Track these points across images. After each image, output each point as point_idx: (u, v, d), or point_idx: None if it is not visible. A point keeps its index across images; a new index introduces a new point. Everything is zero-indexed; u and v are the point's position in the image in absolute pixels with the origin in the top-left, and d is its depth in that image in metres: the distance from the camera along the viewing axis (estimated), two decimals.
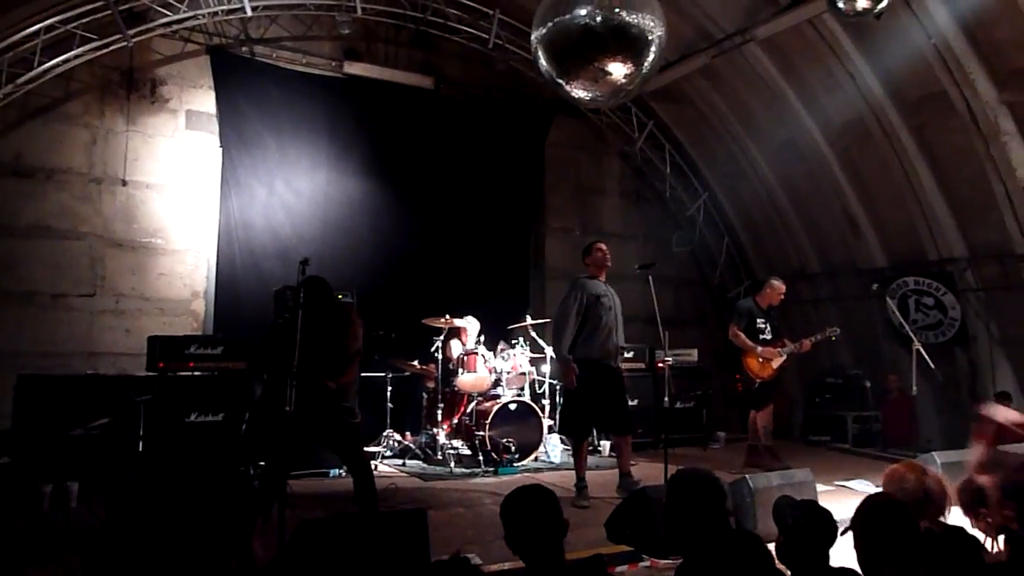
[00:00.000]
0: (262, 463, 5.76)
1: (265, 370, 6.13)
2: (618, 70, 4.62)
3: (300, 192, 8.26)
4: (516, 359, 7.68)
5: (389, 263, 8.54)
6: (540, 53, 4.76)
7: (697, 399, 8.95)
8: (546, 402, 7.82)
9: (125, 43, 7.17)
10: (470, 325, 7.77)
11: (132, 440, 5.75)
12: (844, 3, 6.00)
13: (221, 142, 7.94)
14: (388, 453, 7.46)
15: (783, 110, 8.68)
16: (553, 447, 7.65)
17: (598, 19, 4.26)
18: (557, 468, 7.28)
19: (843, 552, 2.67)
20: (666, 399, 6.17)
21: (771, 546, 2.41)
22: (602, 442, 8.09)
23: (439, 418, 7.41)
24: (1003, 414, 3.35)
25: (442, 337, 7.51)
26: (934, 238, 8.20)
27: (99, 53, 7.12)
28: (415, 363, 7.64)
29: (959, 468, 3.15)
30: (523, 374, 7.71)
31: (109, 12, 6.92)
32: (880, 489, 2.77)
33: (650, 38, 4.50)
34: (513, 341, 7.91)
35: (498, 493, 6.14)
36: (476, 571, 2.14)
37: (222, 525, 1.41)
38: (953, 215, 7.99)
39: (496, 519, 5.36)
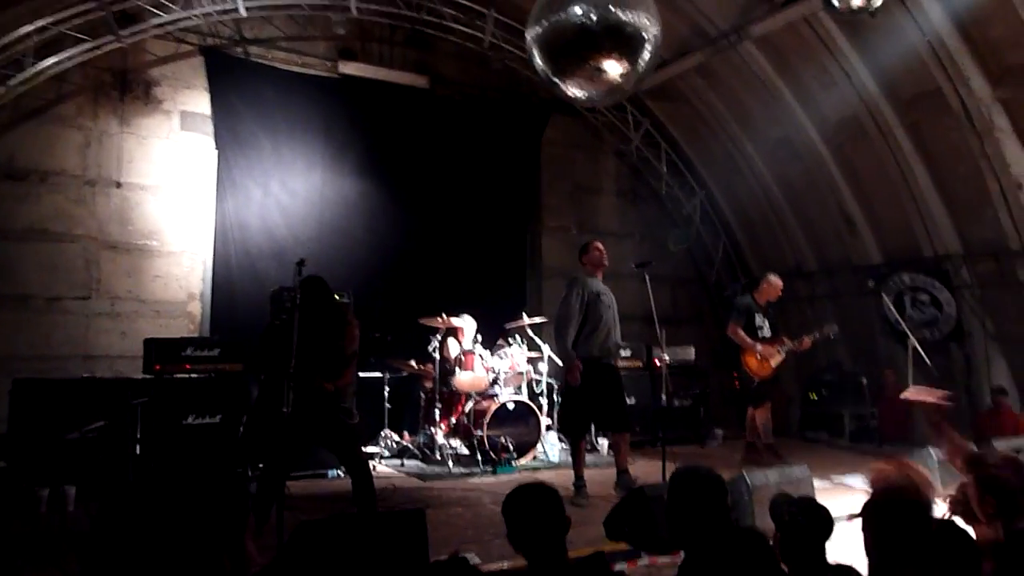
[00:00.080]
0: (260, 465, 5.75)
1: (262, 371, 6.14)
2: (613, 69, 4.62)
3: (296, 193, 8.24)
4: (513, 358, 7.68)
5: (385, 263, 8.53)
6: (535, 52, 4.76)
7: (694, 397, 8.96)
8: (544, 401, 7.82)
9: (118, 44, 7.14)
10: (467, 324, 7.76)
11: (129, 443, 5.73)
12: (839, 1, 6.01)
13: (216, 143, 7.92)
14: (386, 453, 7.45)
15: (779, 108, 8.70)
16: (551, 446, 7.65)
17: (593, 17, 4.26)
18: (555, 467, 7.27)
19: (840, 548, 2.67)
20: (663, 397, 6.18)
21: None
22: (600, 440, 8.09)
23: (437, 418, 7.41)
24: (916, 395, 3.35)
25: (439, 337, 7.50)
26: (929, 235, 8.22)
27: (92, 54, 7.08)
28: (412, 363, 7.63)
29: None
30: (520, 373, 7.71)
31: (102, 13, 6.89)
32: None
33: (645, 36, 4.49)
34: (510, 340, 7.91)
35: (496, 492, 6.14)
36: (474, 571, 2.14)
37: (215, 525, 1.40)
38: (948, 212, 8.01)
39: (495, 518, 5.37)
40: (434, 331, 7.53)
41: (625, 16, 4.29)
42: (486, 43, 8.71)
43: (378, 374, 7.45)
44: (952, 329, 8.13)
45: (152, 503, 1.38)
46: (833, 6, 6.09)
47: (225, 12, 7.60)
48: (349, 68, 8.53)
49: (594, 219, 10.25)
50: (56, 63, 6.89)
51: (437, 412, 7.41)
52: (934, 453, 5.01)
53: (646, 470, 6.49)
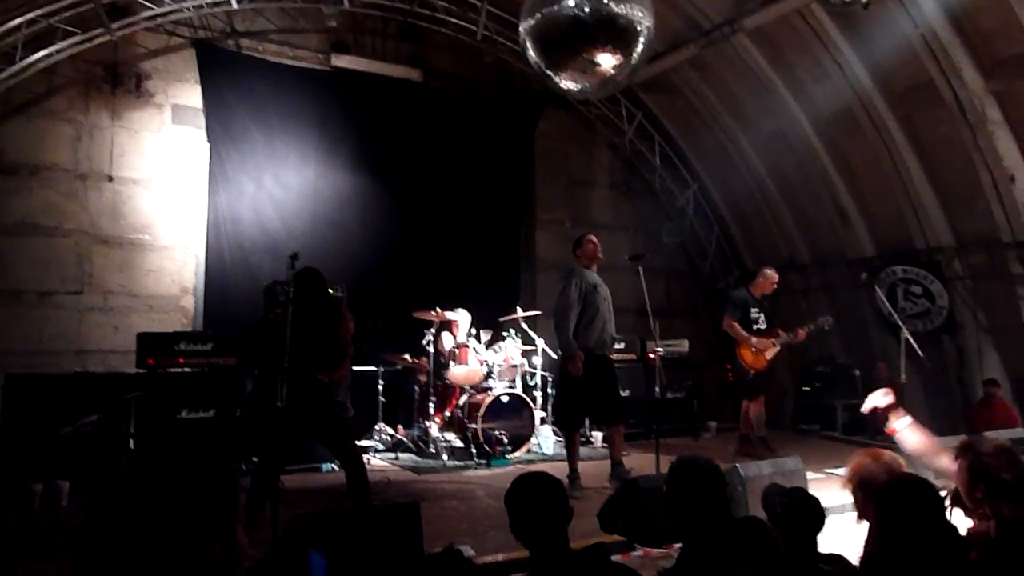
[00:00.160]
0: (254, 459, 5.75)
1: (256, 365, 6.13)
2: (607, 61, 4.62)
3: (289, 186, 8.22)
4: (507, 351, 7.69)
5: (379, 257, 8.52)
6: (529, 44, 4.75)
7: (688, 389, 8.98)
8: (538, 394, 7.83)
9: (108, 37, 7.10)
10: (461, 318, 7.76)
11: (123, 438, 5.73)
12: None
13: (208, 137, 7.89)
14: (381, 447, 7.45)
15: (772, 101, 8.70)
16: (545, 439, 7.66)
17: (586, 10, 4.25)
18: (549, 459, 7.29)
19: (831, 538, 2.69)
20: (657, 390, 6.19)
21: None
22: (594, 433, 8.11)
23: (431, 411, 7.41)
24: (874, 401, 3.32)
25: (433, 330, 7.50)
26: (922, 227, 8.25)
27: (82, 47, 7.04)
28: (407, 357, 7.63)
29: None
30: (515, 366, 7.72)
31: (92, 5, 6.84)
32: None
33: (638, 29, 4.49)
34: (504, 333, 7.91)
35: (491, 485, 6.16)
36: (468, 563, 2.14)
37: (206, 516, 1.40)
38: (941, 204, 8.04)
39: (490, 511, 5.40)
40: (428, 325, 7.53)
41: (618, 8, 4.29)
42: (479, 36, 8.68)
43: (372, 368, 7.45)
44: (944, 321, 8.16)
45: (143, 495, 1.38)
46: None
47: (216, 4, 7.56)
48: (342, 61, 8.50)
49: (588, 212, 10.25)
50: (46, 56, 6.84)
51: (431, 406, 7.41)
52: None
53: (640, 462, 6.51)
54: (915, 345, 6.63)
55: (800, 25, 7.78)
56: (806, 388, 9.49)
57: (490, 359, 7.58)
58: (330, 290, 5.28)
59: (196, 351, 6.35)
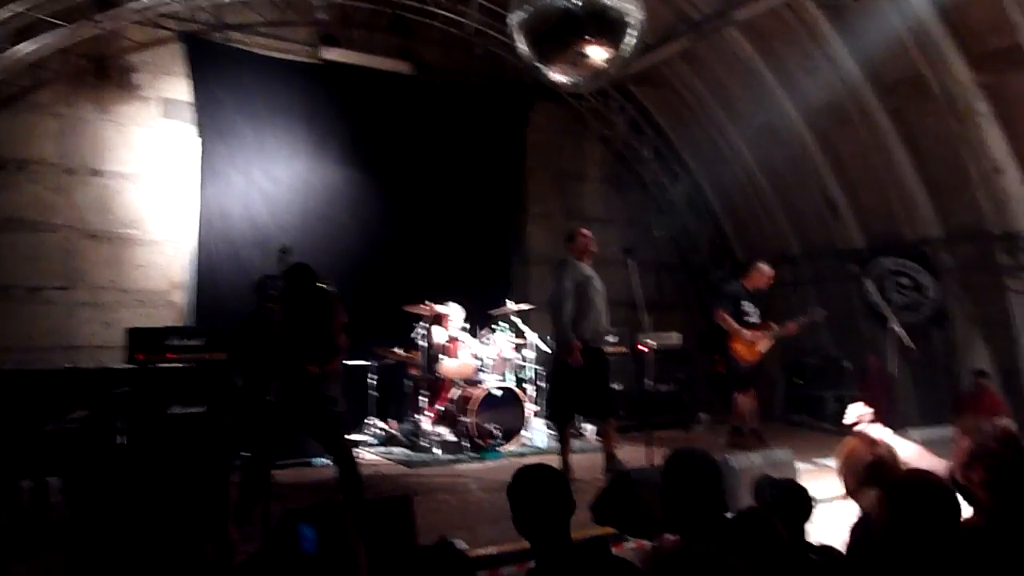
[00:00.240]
0: (245, 454, 5.74)
1: (247, 360, 6.12)
2: (597, 54, 4.62)
3: (279, 180, 8.18)
4: (499, 345, 7.69)
5: (370, 250, 8.49)
6: (519, 37, 4.74)
7: (679, 382, 9.01)
8: (530, 387, 7.84)
9: (95, 30, 7.03)
10: (453, 311, 7.76)
11: (113, 434, 5.70)
12: None
13: (197, 130, 7.83)
14: (372, 441, 7.45)
15: (763, 94, 8.71)
16: (537, 432, 7.68)
17: (577, 2, 4.24)
18: (542, 452, 7.30)
19: (821, 528, 2.71)
20: (649, 382, 6.21)
21: None
22: (586, 426, 8.12)
23: (423, 405, 7.41)
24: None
25: (425, 324, 7.49)
26: (911, 219, 8.29)
27: (69, 40, 6.96)
28: (398, 351, 7.63)
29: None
30: (506, 360, 7.72)
31: None
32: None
33: (629, 21, 4.49)
34: (495, 327, 7.91)
35: (483, 479, 6.18)
36: (461, 555, 2.14)
37: (196, 512, 1.40)
38: (929, 196, 8.07)
39: (482, 504, 5.41)
40: (420, 318, 7.52)
41: (609, 1, 4.28)
42: (469, 29, 8.65)
43: (364, 362, 7.44)
44: (933, 313, 8.21)
45: (134, 492, 1.37)
46: None
47: None
48: (331, 54, 8.44)
49: (579, 205, 10.25)
50: (33, 50, 6.77)
51: (423, 399, 7.41)
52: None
53: (631, 455, 6.52)
54: (904, 336, 6.66)
55: (790, 18, 7.78)
56: (796, 380, 9.54)
57: (482, 353, 7.59)
58: (321, 284, 5.27)
59: (186, 346, 6.33)
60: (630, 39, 4.59)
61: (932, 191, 8.03)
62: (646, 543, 4.01)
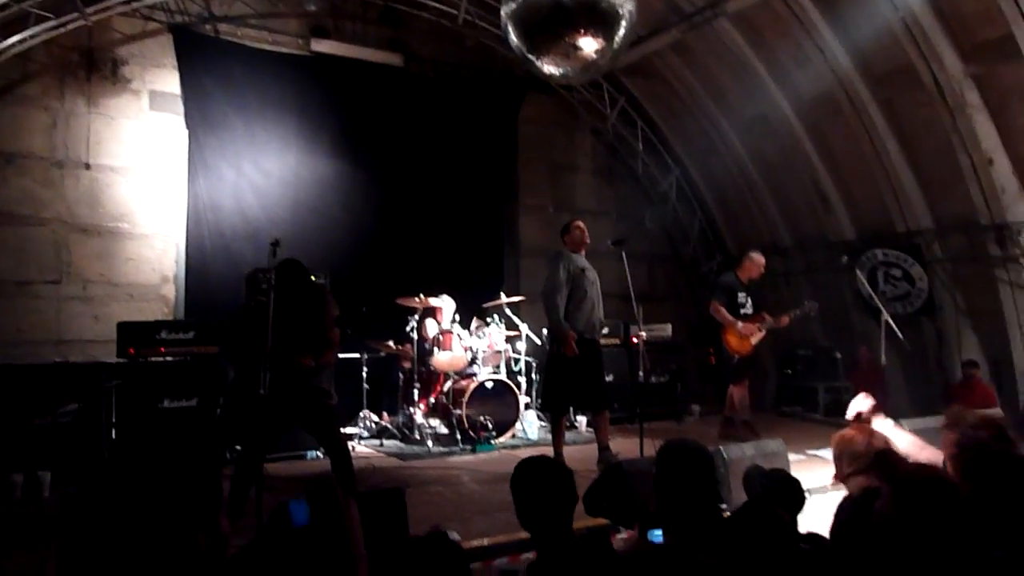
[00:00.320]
0: (238, 447, 5.73)
1: (238, 353, 6.10)
2: (589, 45, 4.61)
3: (269, 173, 8.14)
4: (492, 337, 7.69)
5: (362, 243, 8.47)
6: (510, 29, 4.73)
7: (671, 373, 9.03)
8: (522, 379, 7.85)
9: (83, 22, 6.97)
10: (445, 304, 7.75)
11: (104, 427, 5.68)
12: None
13: (187, 123, 7.78)
14: (365, 434, 7.44)
15: (754, 85, 8.71)
16: (530, 424, 7.69)
17: None
18: (534, 444, 7.32)
19: (812, 518, 2.72)
20: (641, 374, 6.22)
21: None
22: (578, 417, 8.15)
23: (416, 398, 7.41)
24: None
25: (417, 317, 7.49)
26: (902, 210, 8.32)
27: (56, 32, 6.91)
28: (391, 343, 7.62)
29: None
30: (499, 352, 7.72)
31: None
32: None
33: (620, 13, 4.48)
34: (488, 319, 7.91)
35: (476, 471, 6.19)
36: (455, 546, 2.14)
37: (188, 504, 1.39)
38: (920, 188, 8.11)
39: (475, 496, 5.42)
40: (412, 311, 7.51)
41: None
42: (460, 20, 8.61)
43: (356, 355, 7.43)
44: (924, 304, 8.25)
45: (126, 485, 1.37)
46: None
47: None
48: (322, 46, 8.40)
49: (571, 197, 10.25)
50: (19, 42, 6.71)
51: (416, 392, 7.41)
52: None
53: (623, 446, 6.54)
54: (895, 328, 6.71)
55: (781, 9, 7.78)
56: (788, 371, 9.59)
57: (474, 345, 7.59)
58: (312, 278, 5.26)
59: (178, 340, 6.31)
60: (621, 31, 4.58)
61: (923, 182, 8.07)
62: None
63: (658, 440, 3.68)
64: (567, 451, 6.19)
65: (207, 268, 7.75)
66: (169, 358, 6.29)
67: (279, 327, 4.35)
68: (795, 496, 2.76)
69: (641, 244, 9.65)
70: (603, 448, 6.11)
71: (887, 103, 7.90)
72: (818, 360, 9.28)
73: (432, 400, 7.62)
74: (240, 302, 6.47)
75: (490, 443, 7.10)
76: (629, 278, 5.98)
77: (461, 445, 7.04)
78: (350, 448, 5.37)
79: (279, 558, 1.34)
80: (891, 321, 6.72)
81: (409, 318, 7.48)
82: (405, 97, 8.82)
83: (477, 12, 8.57)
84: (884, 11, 7.09)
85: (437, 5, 8.53)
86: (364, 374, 7.51)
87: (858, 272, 7.94)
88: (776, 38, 8.26)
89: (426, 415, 7.47)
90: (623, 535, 4.16)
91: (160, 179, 7.72)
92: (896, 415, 3.41)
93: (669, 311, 10.00)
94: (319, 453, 6.42)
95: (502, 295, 8.02)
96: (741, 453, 4.76)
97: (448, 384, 7.49)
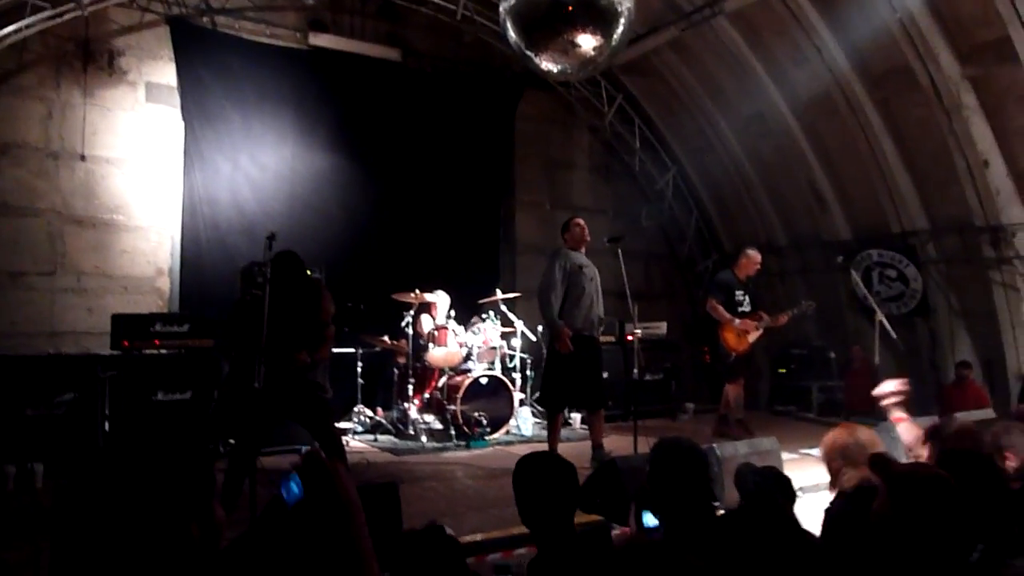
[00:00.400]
0: (232, 440, 5.72)
1: (233, 347, 6.09)
2: (587, 42, 4.61)
3: (266, 167, 8.13)
4: (487, 333, 7.70)
5: (358, 238, 8.46)
6: (509, 24, 4.72)
7: (666, 371, 9.05)
8: (517, 376, 7.86)
9: (79, 12, 6.94)
10: (440, 300, 7.75)
11: (98, 419, 5.67)
12: None
13: (183, 116, 7.76)
14: (359, 429, 7.45)
15: (751, 84, 8.72)
16: (524, 420, 7.70)
17: None
18: (528, 441, 7.33)
19: (804, 516, 2.73)
20: (635, 371, 6.23)
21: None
22: (573, 414, 8.16)
23: (410, 393, 7.41)
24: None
25: (412, 312, 7.49)
26: (897, 211, 8.34)
27: (52, 23, 6.88)
28: (385, 338, 7.62)
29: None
30: (494, 348, 7.73)
31: None
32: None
33: (619, 10, 4.48)
34: (483, 315, 7.92)
35: (470, 467, 6.20)
36: (451, 540, 2.14)
37: (181, 494, 1.39)
38: (916, 188, 8.13)
39: (468, 492, 5.42)
40: (407, 307, 7.51)
41: None
42: (458, 15, 8.61)
43: (351, 350, 7.42)
44: (918, 304, 8.28)
45: (118, 475, 1.36)
46: None
47: None
48: (320, 40, 8.38)
49: (567, 194, 10.25)
50: (15, 31, 6.67)
51: (410, 387, 7.41)
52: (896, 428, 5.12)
53: (618, 444, 6.57)
54: (889, 328, 6.72)
55: (779, 8, 7.79)
56: (782, 370, 9.61)
57: (469, 341, 7.59)
58: (308, 272, 5.25)
59: (172, 332, 6.29)
60: (620, 28, 4.58)
61: (919, 183, 8.09)
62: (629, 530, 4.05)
63: (652, 438, 3.68)
64: (561, 448, 6.20)
65: (202, 261, 7.73)
66: (163, 351, 6.28)
67: (274, 321, 4.35)
68: (786, 493, 2.77)
69: (637, 242, 9.66)
70: (597, 446, 6.13)
71: (884, 103, 7.92)
72: (812, 360, 9.31)
73: (426, 396, 7.62)
74: (235, 296, 6.46)
75: (484, 439, 7.11)
76: (625, 276, 5.99)
77: (455, 441, 7.04)
78: (344, 443, 5.37)
79: (275, 546, 1.34)
80: (885, 321, 6.74)
81: (404, 313, 7.48)
82: (402, 92, 8.80)
83: (475, 8, 8.56)
84: (882, 12, 7.10)
85: (436, 0, 8.52)
86: (359, 369, 7.51)
87: (853, 272, 7.96)
88: (774, 37, 8.26)
89: (420, 410, 7.47)
90: (616, 531, 4.17)
91: (156, 171, 7.69)
92: (888, 416, 3.45)
93: (664, 309, 10.02)
94: (313, 447, 6.41)
95: (498, 291, 8.03)
96: (734, 451, 4.78)
97: (443, 380, 7.50)
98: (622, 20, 4.61)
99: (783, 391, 9.53)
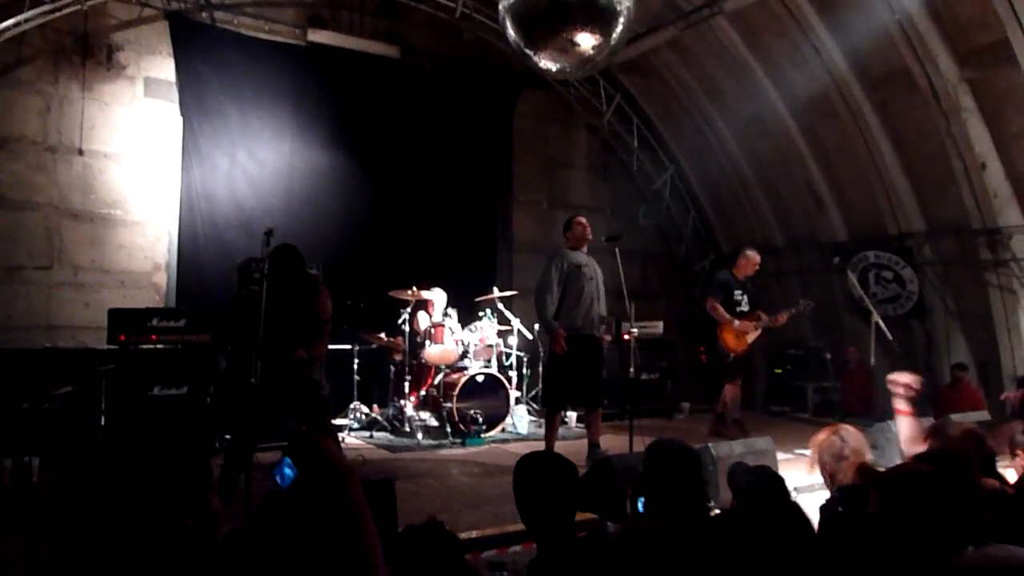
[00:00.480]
0: (228, 436, 5.73)
1: (230, 342, 6.09)
2: (586, 41, 4.61)
3: (264, 163, 8.12)
4: (483, 331, 7.70)
5: (355, 235, 8.46)
6: (508, 23, 4.72)
7: (662, 370, 9.07)
8: (513, 374, 7.87)
9: (78, 6, 6.93)
10: (437, 297, 7.76)
11: (94, 414, 5.67)
12: None
13: (181, 111, 7.75)
14: (355, 425, 7.45)
15: (750, 85, 8.73)
16: (520, 418, 7.71)
17: None
18: (524, 439, 7.34)
19: None
20: (632, 370, 6.25)
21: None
22: (568, 413, 8.16)
23: (406, 390, 7.42)
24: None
25: (409, 309, 7.49)
26: (894, 213, 8.36)
27: (51, 16, 6.87)
28: (382, 335, 7.62)
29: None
30: (490, 346, 7.73)
31: None
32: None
33: (618, 9, 4.48)
34: (480, 313, 7.92)
35: (465, 464, 6.20)
36: (451, 536, 2.14)
37: (176, 488, 1.39)
38: (913, 190, 8.15)
39: (464, 489, 5.43)
40: (404, 304, 7.51)
41: None
42: (458, 13, 8.60)
43: (347, 346, 7.43)
44: (914, 306, 8.30)
45: (114, 469, 1.37)
46: None
47: None
48: (318, 36, 8.37)
49: (565, 193, 10.26)
50: (14, 25, 6.66)
51: (406, 384, 7.41)
52: (893, 426, 5.13)
53: (614, 443, 6.57)
54: (885, 329, 6.74)
55: (779, 9, 7.80)
56: (778, 370, 9.63)
57: (466, 339, 7.59)
58: (306, 268, 5.25)
59: (169, 328, 6.28)
60: (619, 27, 4.59)
61: (916, 185, 8.11)
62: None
63: (648, 437, 3.70)
64: (557, 446, 6.20)
65: (199, 256, 7.73)
66: (160, 346, 6.26)
67: (271, 317, 4.35)
68: (779, 492, 2.78)
69: (634, 241, 9.67)
70: (593, 444, 6.14)
71: (882, 105, 7.93)
72: (808, 360, 9.33)
73: (423, 393, 7.63)
74: (232, 291, 6.46)
75: (480, 437, 7.11)
76: (622, 275, 6.00)
77: (451, 438, 7.05)
78: (340, 439, 5.37)
79: (271, 538, 1.34)
80: (881, 323, 6.76)
81: (401, 310, 7.49)
82: (401, 89, 8.80)
83: (475, 6, 8.56)
84: (881, 13, 7.11)
85: None
86: (355, 366, 7.52)
87: (849, 273, 7.98)
88: (773, 38, 8.28)
89: (416, 408, 7.48)
90: (611, 530, 4.17)
91: (153, 166, 7.68)
92: (883, 417, 3.47)
93: (661, 309, 10.03)
94: None
95: (495, 289, 8.03)
96: (730, 451, 4.79)
97: (439, 377, 7.50)
98: (621, 19, 4.62)
99: (779, 391, 9.55)
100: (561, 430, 7.50)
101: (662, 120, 10.26)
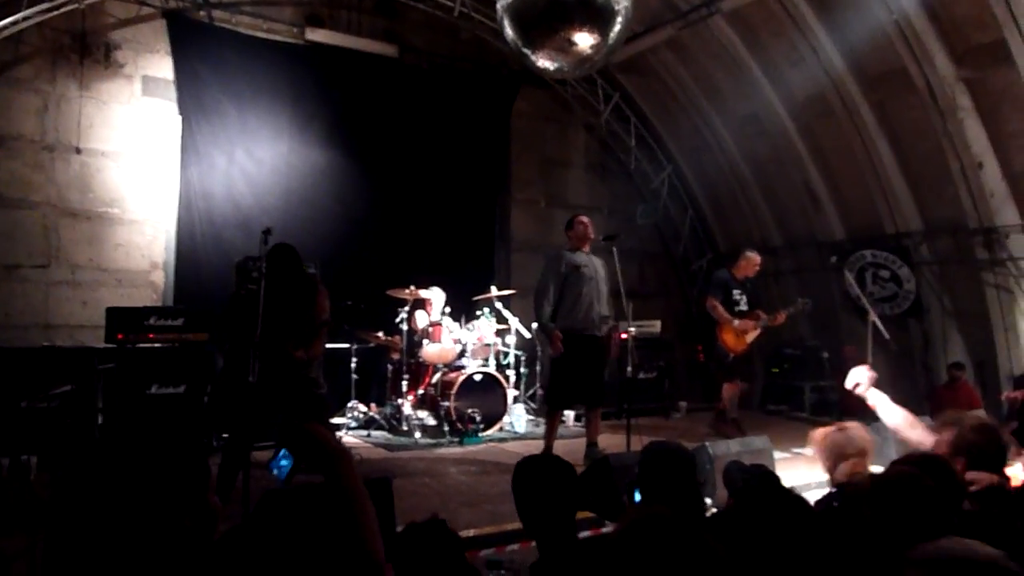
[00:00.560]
0: (225, 434, 5.73)
1: (228, 341, 6.09)
2: (584, 40, 4.61)
3: (262, 161, 8.11)
4: (481, 330, 7.71)
5: (353, 234, 8.46)
6: (506, 22, 4.73)
7: (659, 370, 9.07)
8: (511, 373, 7.87)
9: (76, 4, 6.92)
10: (435, 296, 7.76)
11: (92, 413, 5.67)
12: None
13: (179, 109, 7.74)
14: (353, 424, 7.45)
15: (747, 84, 8.75)
16: (517, 417, 7.72)
17: None
18: (521, 438, 7.35)
19: None
20: (629, 369, 6.26)
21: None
22: (566, 412, 8.16)
23: (404, 389, 7.42)
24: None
25: (407, 308, 7.49)
26: (891, 212, 8.38)
27: (49, 15, 6.85)
28: (380, 334, 7.62)
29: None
30: (488, 345, 7.74)
31: None
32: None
33: (616, 8, 4.49)
34: (478, 312, 7.93)
35: (463, 463, 6.21)
36: (452, 534, 2.15)
37: (174, 487, 1.40)
38: (910, 190, 8.17)
39: (461, 488, 5.44)
40: (402, 303, 7.51)
41: None
42: (456, 12, 8.60)
43: (345, 345, 7.43)
44: (911, 305, 8.32)
45: (112, 467, 1.37)
46: None
47: None
48: (317, 35, 8.37)
49: (563, 192, 10.26)
50: (12, 23, 6.65)
51: (404, 383, 7.42)
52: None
53: (611, 441, 6.58)
54: (882, 328, 6.75)
55: (776, 8, 7.81)
56: (775, 369, 9.64)
57: (463, 338, 7.60)
58: (304, 268, 5.25)
59: (166, 326, 6.28)
60: (617, 26, 4.59)
61: (913, 185, 8.12)
62: None
63: (645, 436, 3.71)
64: (555, 445, 6.21)
65: (197, 255, 7.72)
66: (157, 344, 6.26)
67: (269, 316, 4.35)
68: (774, 490, 2.79)
69: (632, 241, 9.68)
70: (591, 444, 6.16)
71: (879, 105, 7.94)
72: (805, 359, 9.34)
73: (420, 392, 7.63)
74: (230, 290, 6.46)
75: (477, 436, 7.12)
76: (619, 274, 6.01)
77: (448, 437, 7.05)
78: (338, 438, 5.37)
79: (269, 536, 1.35)
80: (878, 322, 6.77)
81: (399, 309, 7.49)
82: (399, 88, 8.80)
83: (473, 5, 8.56)
84: (878, 13, 7.12)
85: None
86: (353, 364, 7.52)
87: (846, 272, 7.99)
88: (770, 37, 8.29)
89: (414, 406, 7.48)
90: (608, 529, 4.18)
91: (151, 165, 7.68)
92: (879, 417, 3.46)
93: (659, 308, 10.04)
94: None
95: (492, 288, 8.03)
96: (727, 450, 4.80)
97: (437, 376, 7.51)
98: (619, 19, 4.62)
99: (776, 390, 9.56)
100: (559, 428, 7.53)
101: (660, 119, 10.27)
